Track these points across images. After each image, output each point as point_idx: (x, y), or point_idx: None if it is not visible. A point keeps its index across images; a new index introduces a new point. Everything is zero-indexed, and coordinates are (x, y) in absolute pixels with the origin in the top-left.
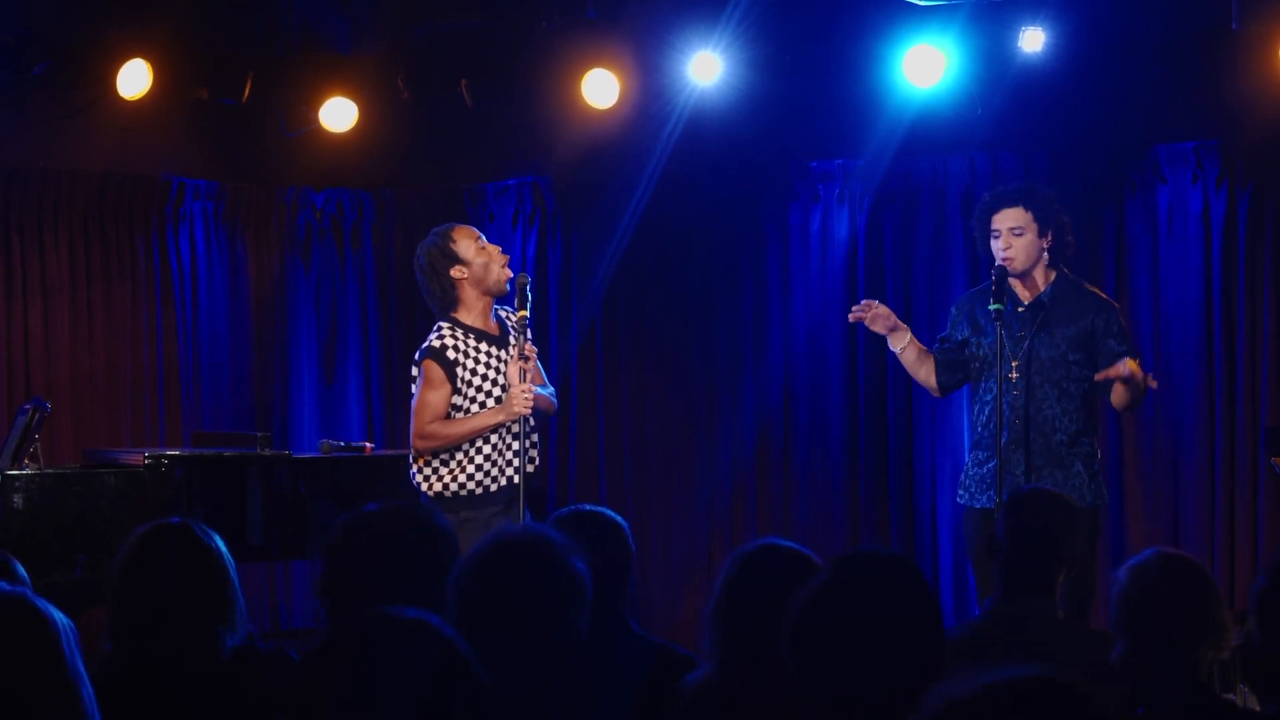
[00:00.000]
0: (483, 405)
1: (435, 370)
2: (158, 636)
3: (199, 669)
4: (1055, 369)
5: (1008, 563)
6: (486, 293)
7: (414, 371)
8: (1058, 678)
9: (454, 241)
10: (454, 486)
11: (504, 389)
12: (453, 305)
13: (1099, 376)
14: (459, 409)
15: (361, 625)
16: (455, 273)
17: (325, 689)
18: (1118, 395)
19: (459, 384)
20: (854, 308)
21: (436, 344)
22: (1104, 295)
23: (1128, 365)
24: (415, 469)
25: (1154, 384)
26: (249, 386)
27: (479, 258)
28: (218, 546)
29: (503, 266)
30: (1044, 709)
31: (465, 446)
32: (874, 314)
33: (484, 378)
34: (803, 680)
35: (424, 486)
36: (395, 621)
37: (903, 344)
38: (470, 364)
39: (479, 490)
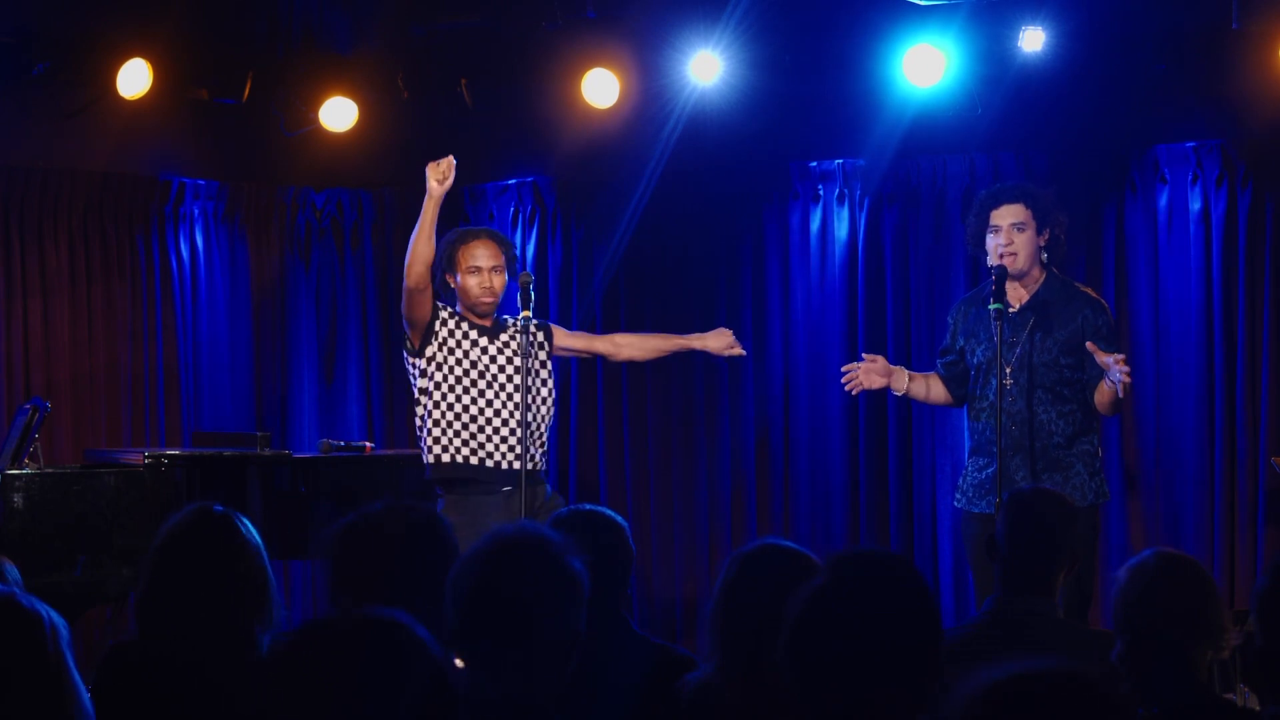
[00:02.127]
0: (459, 380)
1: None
2: (188, 626)
3: (227, 662)
4: (1049, 373)
5: (1007, 563)
6: (467, 310)
7: None
8: (1081, 671)
9: (459, 254)
10: (465, 452)
11: (481, 374)
12: (451, 300)
13: (1090, 346)
14: (424, 375)
15: (334, 622)
16: (449, 280)
17: (293, 683)
18: (1101, 395)
19: (435, 326)
20: (844, 377)
21: (440, 304)
22: (1094, 294)
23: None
24: (422, 441)
25: (1124, 374)
26: (249, 386)
27: (470, 280)
28: (255, 539)
29: (480, 298)
30: (1065, 702)
31: (455, 425)
32: (867, 370)
33: (450, 351)
34: (801, 681)
35: (429, 459)
36: (367, 620)
37: (903, 386)
38: (452, 343)
39: (475, 461)
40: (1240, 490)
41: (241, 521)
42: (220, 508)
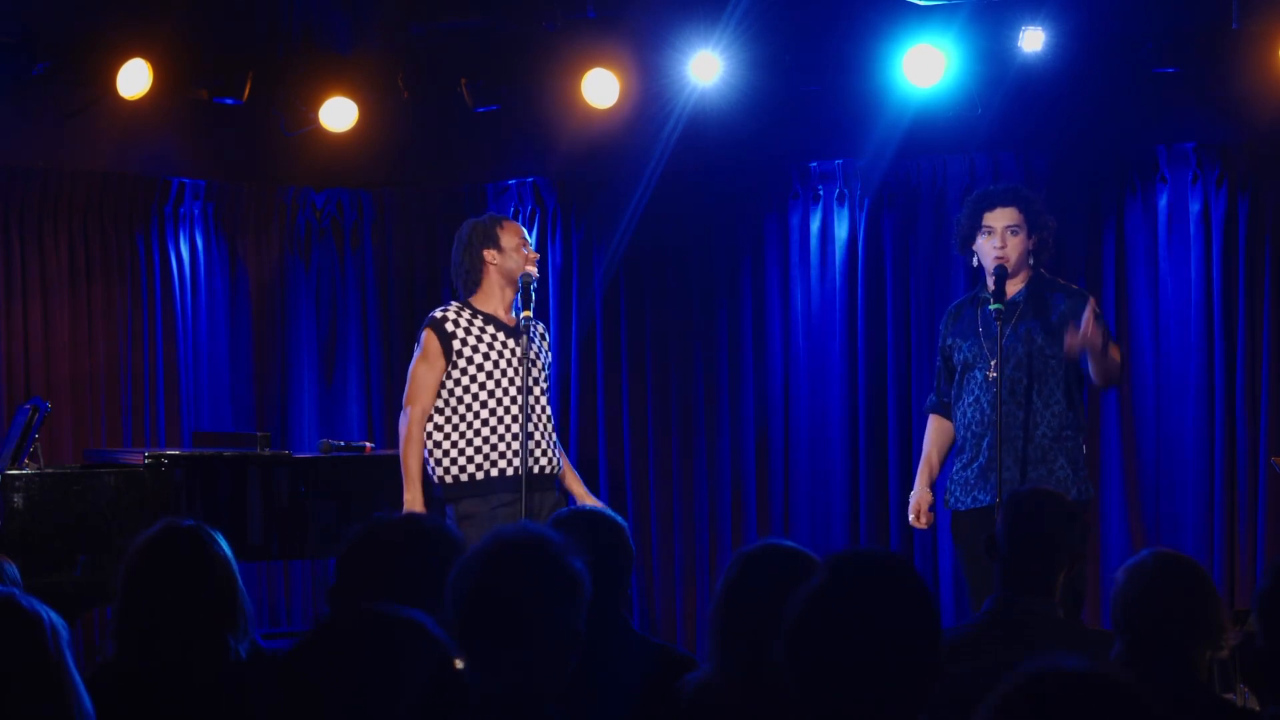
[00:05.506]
0: (482, 385)
1: (433, 343)
2: (164, 641)
3: (207, 673)
4: (1033, 364)
5: (1007, 563)
6: (511, 284)
7: (420, 336)
8: (1110, 672)
9: (501, 227)
10: (455, 470)
11: (503, 374)
12: (474, 287)
13: (1068, 347)
14: (455, 382)
15: (351, 621)
16: (488, 255)
17: (309, 681)
18: (1093, 369)
19: (453, 357)
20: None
21: (439, 315)
22: (1075, 287)
23: (1085, 323)
24: (426, 453)
25: (1094, 321)
26: (249, 386)
27: (515, 254)
28: (224, 550)
29: (530, 262)
30: (1109, 705)
31: (467, 433)
32: (927, 516)
33: (485, 357)
34: (800, 681)
35: (433, 475)
36: (385, 619)
37: (929, 494)
38: (473, 341)
39: (481, 476)
40: (1240, 490)
41: (209, 534)
42: (187, 521)
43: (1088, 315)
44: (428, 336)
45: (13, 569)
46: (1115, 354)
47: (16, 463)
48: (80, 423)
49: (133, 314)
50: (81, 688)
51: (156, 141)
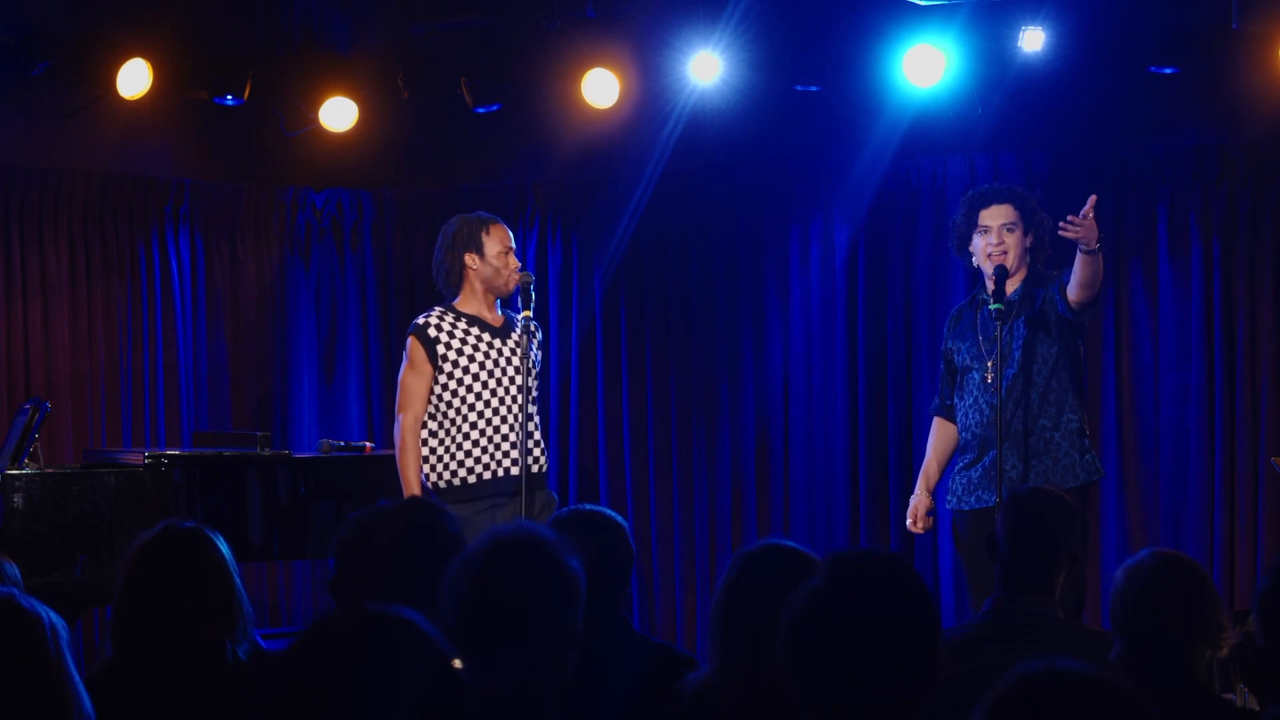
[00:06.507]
0: (469, 388)
1: (418, 350)
2: (161, 643)
3: (205, 675)
4: (1025, 357)
5: (1007, 563)
6: (490, 291)
7: (406, 344)
8: (1103, 673)
9: (486, 232)
10: (446, 475)
11: (489, 375)
12: (455, 288)
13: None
14: (443, 387)
15: (348, 621)
16: (469, 259)
17: (305, 682)
18: (1080, 270)
19: (439, 362)
20: (915, 528)
21: (422, 322)
22: (1057, 274)
23: (1086, 210)
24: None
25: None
26: (249, 386)
27: (497, 260)
28: (223, 552)
29: (512, 272)
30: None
31: (458, 439)
32: (924, 521)
33: (470, 359)
34: (800, 683)
35: (427, 481)
36: (382, 618)
37: (929, 500)
38: (457, 344)
39: (473, 480)
40: (1240, 490)
41: (208, 536)
42: (188, 523)
43: (1088, 205)
44: (412, 344)
45: (13, 569)
46: (1100, 262)
47: (16, 463)
48: (80, 423)
49: (133, 314)
50: (81, 688)
51: (156, 141)
